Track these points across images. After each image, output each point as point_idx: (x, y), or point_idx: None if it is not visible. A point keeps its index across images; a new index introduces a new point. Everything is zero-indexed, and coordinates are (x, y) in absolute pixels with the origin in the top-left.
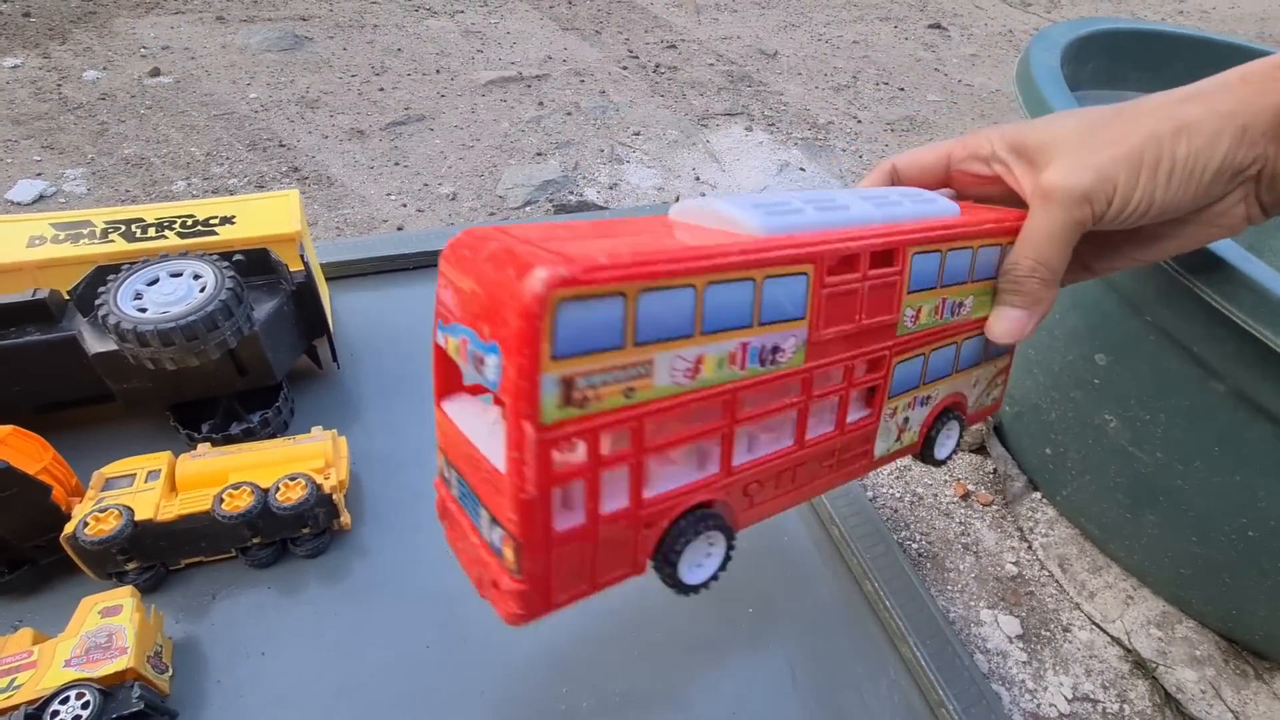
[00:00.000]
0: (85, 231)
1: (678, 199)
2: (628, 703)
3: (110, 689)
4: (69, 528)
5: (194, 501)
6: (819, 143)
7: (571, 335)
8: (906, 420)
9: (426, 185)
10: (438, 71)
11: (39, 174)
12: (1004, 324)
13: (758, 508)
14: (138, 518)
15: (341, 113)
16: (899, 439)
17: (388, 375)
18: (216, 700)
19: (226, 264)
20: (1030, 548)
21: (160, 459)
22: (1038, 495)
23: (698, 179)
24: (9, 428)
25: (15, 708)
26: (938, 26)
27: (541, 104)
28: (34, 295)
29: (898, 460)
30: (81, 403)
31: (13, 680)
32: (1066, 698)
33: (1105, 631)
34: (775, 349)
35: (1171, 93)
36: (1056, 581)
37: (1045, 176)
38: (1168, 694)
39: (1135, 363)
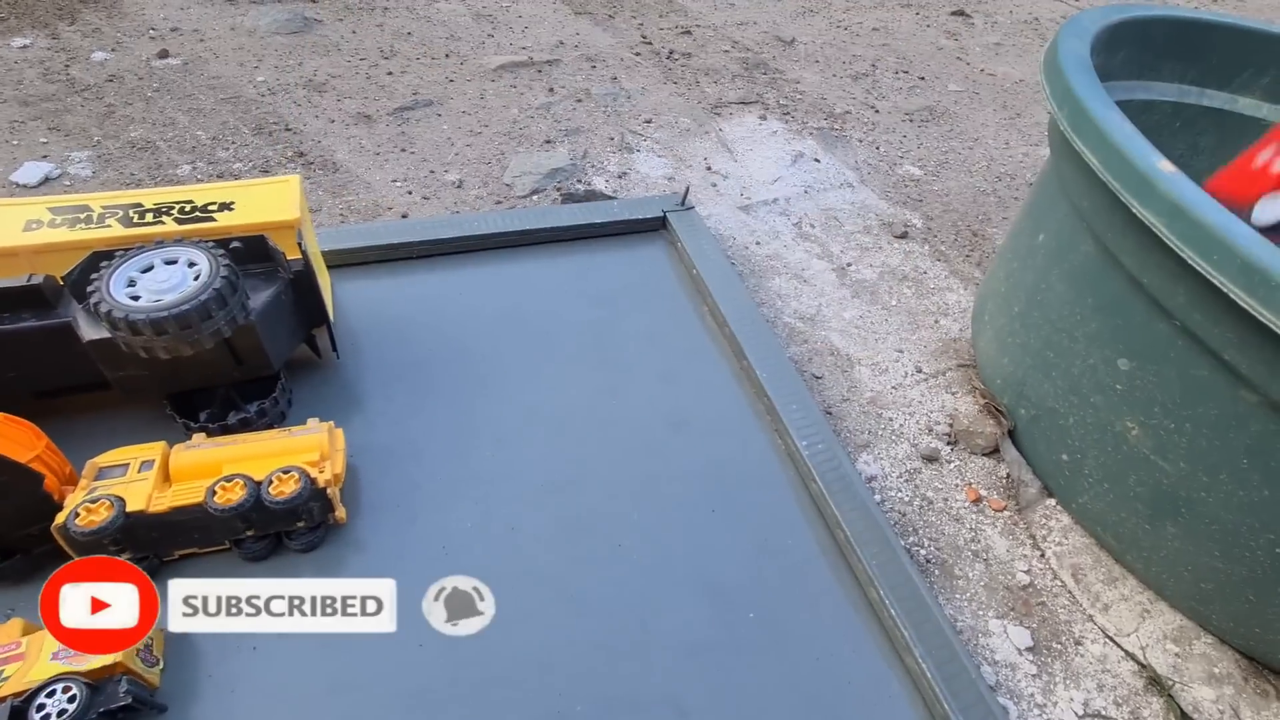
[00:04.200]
0: (83, 216)
1: (687, 190)
2: (624, 706)
3: (98, 683)
4: (60, 518)
5: (186, 493)
6: (835, 133)
7: None
8: None
9: (433, 172)
10: (447, 56)
11: (45, 156)
12: None
13: None
14: (129, 508)
15: (349, 97)
16: None
17: (389, 366)
18: (208, 693)
19: (222, 251)
20: (1043, 556)
21: (154, 449)
22: (1052, 502)
23: (709, 168)
24: (0, 415)
25: (1, 700)
26: (961, 13)
27: (552, 90)
28: (29, 280)
29: (907, 463)
30: (78, 389)
31: (0, 672)
32: (1077, 713)
33: (1119, 645)
34: None
35: None
36: (1069, 592)
37: None
38: (1184, 712)
39: (1161, 368)
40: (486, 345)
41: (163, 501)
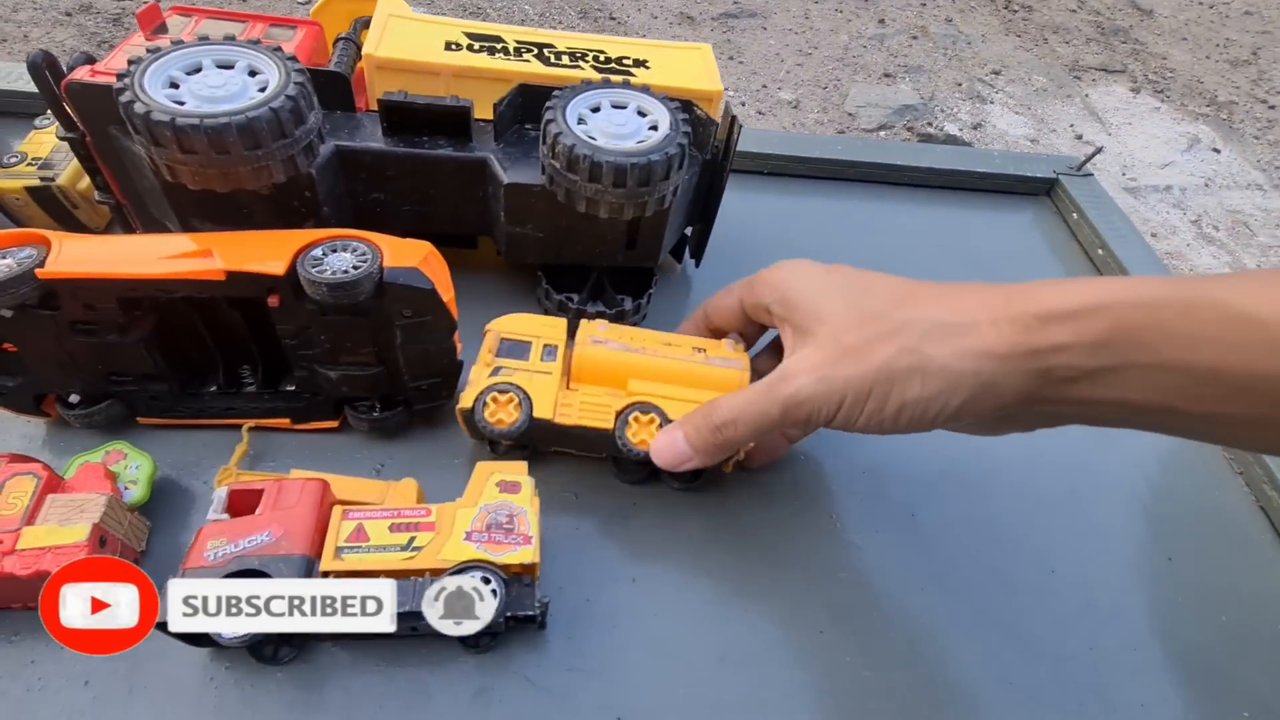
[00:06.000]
0: (499, 47)
1: (1096, 152)
2: None
3: (509, 579)
4: (466, 400)
5: (594, 413)
6: (1224, 122)
7: None
8: None
9: (765, 87)
10: None
11: None
12: (664, 442)
13: None
14: (535, 413)
15: None
16: None
17: None
18: (584, 624)
19: (677, 104)
20: None
21: (555, 329)
22: None
23: (1079, 137)
24: (429, 245)
25: (418, 573)
26: None
27: (883, 22)
28: (457, 102)
29: None
30: (450, 240)
31: (412, 539)
32: None
33: None
34: None
35: (928, 304)
36: None
37: (790, 365)
38: None
39: None
40: None
41: (569, 413)
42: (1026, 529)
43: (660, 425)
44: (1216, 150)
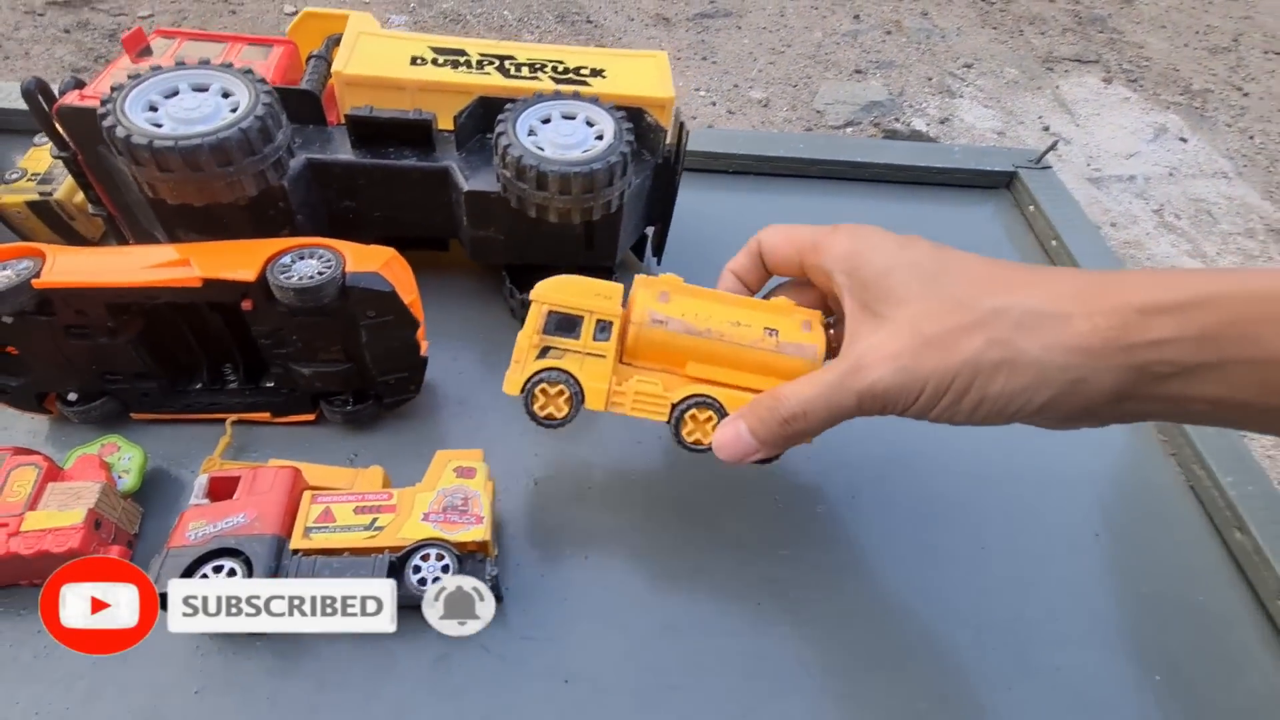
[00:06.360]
0: (462, 60)
1: (1053, 146)
2: None
3: (463, 556)
4: (513, 386)
5: (649, 405)
6: (1196, 111)
7: None
8: None
9: (736, 86)
10: None
11: None
12: (727, 437)
13: None
14: (587, 405)
15: None
16: None
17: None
18: (539, 597)
19: (623, 114)
20: None
21: (610, 300)
22: None
23: (1046, 129)
24: (391, 251)
25: (379, 550)
26: None
27: (857, 17)
28: (419, 115)
29: None
30: (419, 244)
31: (374, 520)
32: None
33: None
34: None
35: (1018, 290)
36: None
37: (864, 354)
38: None
39: None
40: None
41: (621, 404)
42: (962, 508)
43: (717, 422)
44: (1183, 140)
